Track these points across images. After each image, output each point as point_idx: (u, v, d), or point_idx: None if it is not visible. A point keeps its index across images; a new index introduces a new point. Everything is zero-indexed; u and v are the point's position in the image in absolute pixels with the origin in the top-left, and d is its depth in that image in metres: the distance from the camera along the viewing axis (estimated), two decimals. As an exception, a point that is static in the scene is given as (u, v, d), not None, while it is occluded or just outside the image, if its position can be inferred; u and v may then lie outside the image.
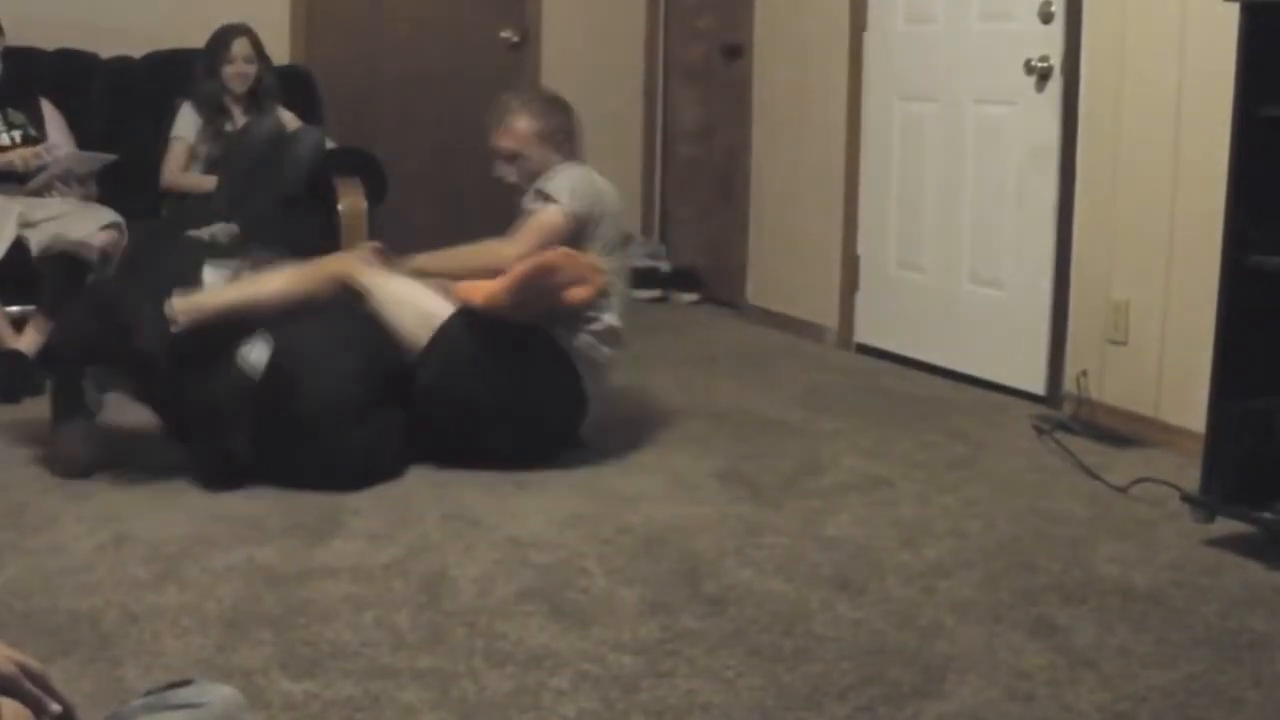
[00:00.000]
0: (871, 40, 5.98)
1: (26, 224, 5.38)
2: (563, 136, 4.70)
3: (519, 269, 4.20)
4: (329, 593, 3.26)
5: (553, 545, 3.63)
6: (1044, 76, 5.04)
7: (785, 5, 6.61)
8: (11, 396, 5.06)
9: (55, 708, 1.86)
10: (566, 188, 4.44)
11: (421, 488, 4.11)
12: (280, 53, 6.54)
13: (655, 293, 7.39)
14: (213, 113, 6.07)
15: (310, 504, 3.92)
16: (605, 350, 4.44)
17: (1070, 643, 3.06)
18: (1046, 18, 4.99)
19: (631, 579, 3.40)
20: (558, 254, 4.25)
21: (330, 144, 6.18)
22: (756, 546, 3.65)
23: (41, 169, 5.71)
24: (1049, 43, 5.01)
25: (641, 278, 7.27)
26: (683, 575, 3.43)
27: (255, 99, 6.13)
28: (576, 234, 4.40)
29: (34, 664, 2.07)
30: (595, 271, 4.31)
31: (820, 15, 6.28)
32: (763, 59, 6.80)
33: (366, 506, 3.91)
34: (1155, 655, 3.00)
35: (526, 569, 3.45)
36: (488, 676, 2.83)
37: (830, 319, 6.33)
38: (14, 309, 5.31)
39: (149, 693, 2.15)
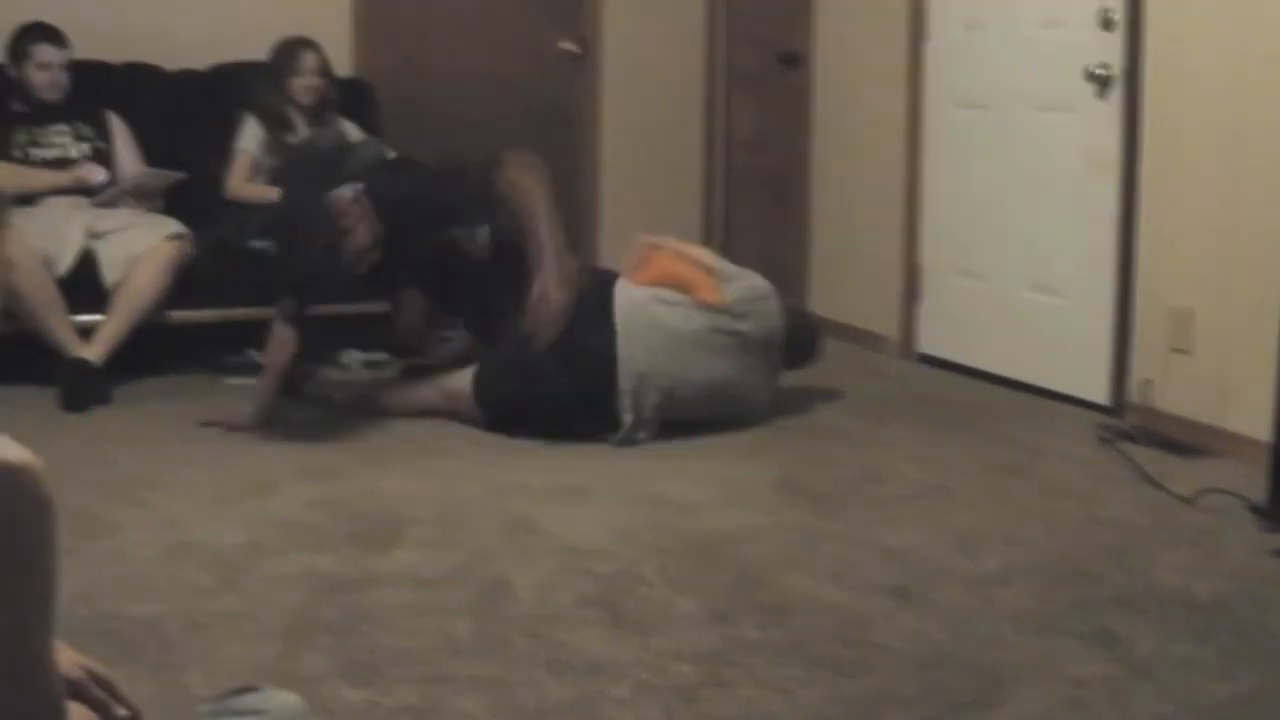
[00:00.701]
0: (931, 47, 5.97)
1: (94, 235, 5.46)
2: None
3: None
4: (389, 600, 3.28)
5: (612, 554, 3.63)
6: (1104, 83, 5.01)
7: (843, 13, 6.60)
8: (78, 406, 5.10)
9: (122, 712, 1.88)
10: None
11: (480, 496, 4.13)
12: (340, 64, 6.57)
13: (715, 301, 7.37)
14: (276, 125, 6.12)
15: (369, 512, 3.95)
16: None
17: (1130, 653, 3.03)
18: (1107, 25, 4.96)
19: (690, 588, 3.40)
20: None
21: (390, 154, 6.22)
22: (815, 555, 3.65)
23: (110, 184, 5.78)
24: (1109, 50, 4.98)
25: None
26: (741, 584, 3.43)
27: (318, 111, 6.17)
28: None
29: (100, 669, 2.09)
30: None
31: (878, 23, 6.27)
32: (821, 67, 6.80)
33: (425, 515, 3.93)
34: (1218, 667, 2.97)
35: (586, 577, 3.46)
36: (548, 685, 2.84)
37: (891, 328, 6.32)
38: (81, 318, 5.37)
39: (214, 699, 2.17)
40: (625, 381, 4.77)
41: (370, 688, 2.80)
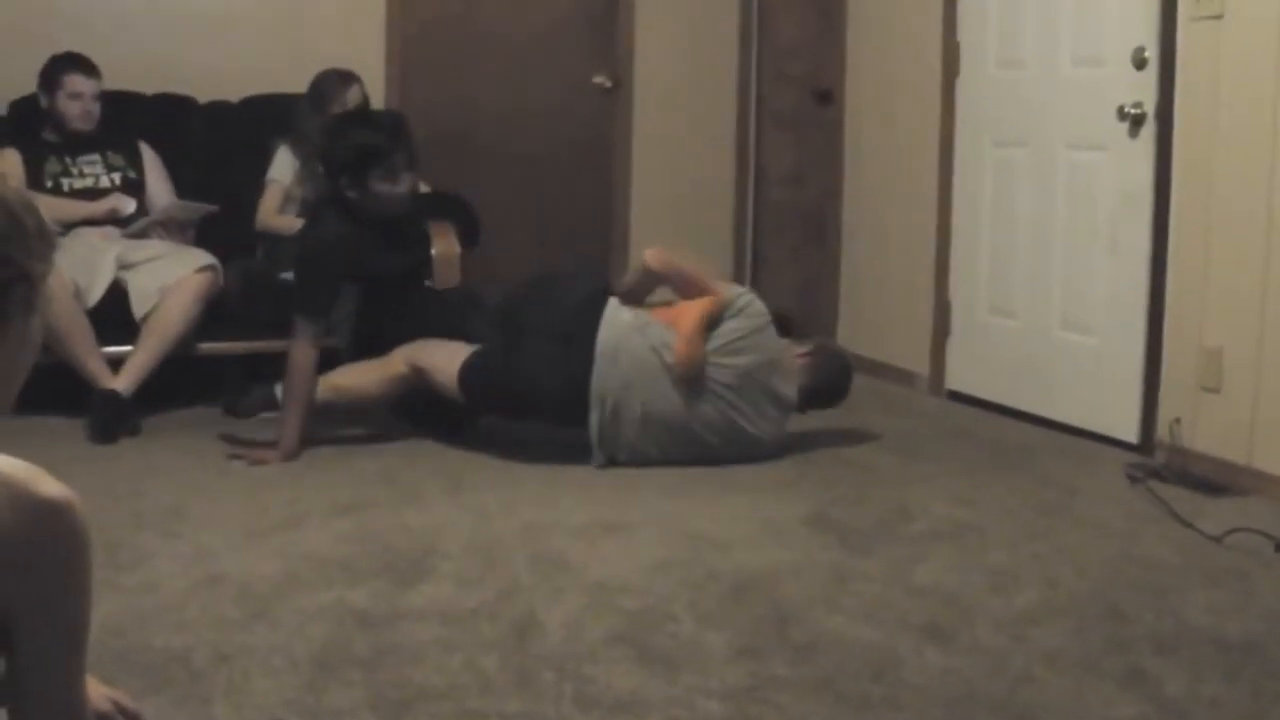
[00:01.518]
0: (964, 85, 5.98)
1: (124, 266, 5.48)
2: None
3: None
4: (418, 635, 3.28)
5: (641, 590, 3.63)
6: (1137, 122, 5.01)
7: (876, 50, 6.62)
8: (108, 437, 5.13)
9: None
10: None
11: (510, 531, 4.13)
12: (376, 97, 6.60)
13: (745, 337, 7.37)
14: (311, 156, 6.14)
15: (400, 546, 3.95)
16: None
17: (1162, 692, 3.02)
18: (1140, 64, 4.97)
19: (720, 624, 3.39)
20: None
21: (424, 188, 6.24)
22: (846, 593, 3.64)
23: (141, 214, 5.82)
24: (1142, 89, 4.99)
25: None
26: (771, 622, 3.42)
27: None
28: None
29: (128, 702, 2.10)
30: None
31: (912, 60, 6.29)
32: (854, 104, 6.81)
33: (456, 549, 3.93)
34: (1249, 707, 2.95)
35: (615, 613, 3.46)
36: (575, 720, 2.84)
37: (922, 365, 6.31)
38: (111, 349, 5.40)
39: None
40: (594, 404, 4.85)
41: (399, 722, 2.81)
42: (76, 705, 1.67)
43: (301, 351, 4.94)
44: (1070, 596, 3.63)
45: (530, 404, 4.98)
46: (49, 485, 1.64)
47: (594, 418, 4.86)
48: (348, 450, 5.06)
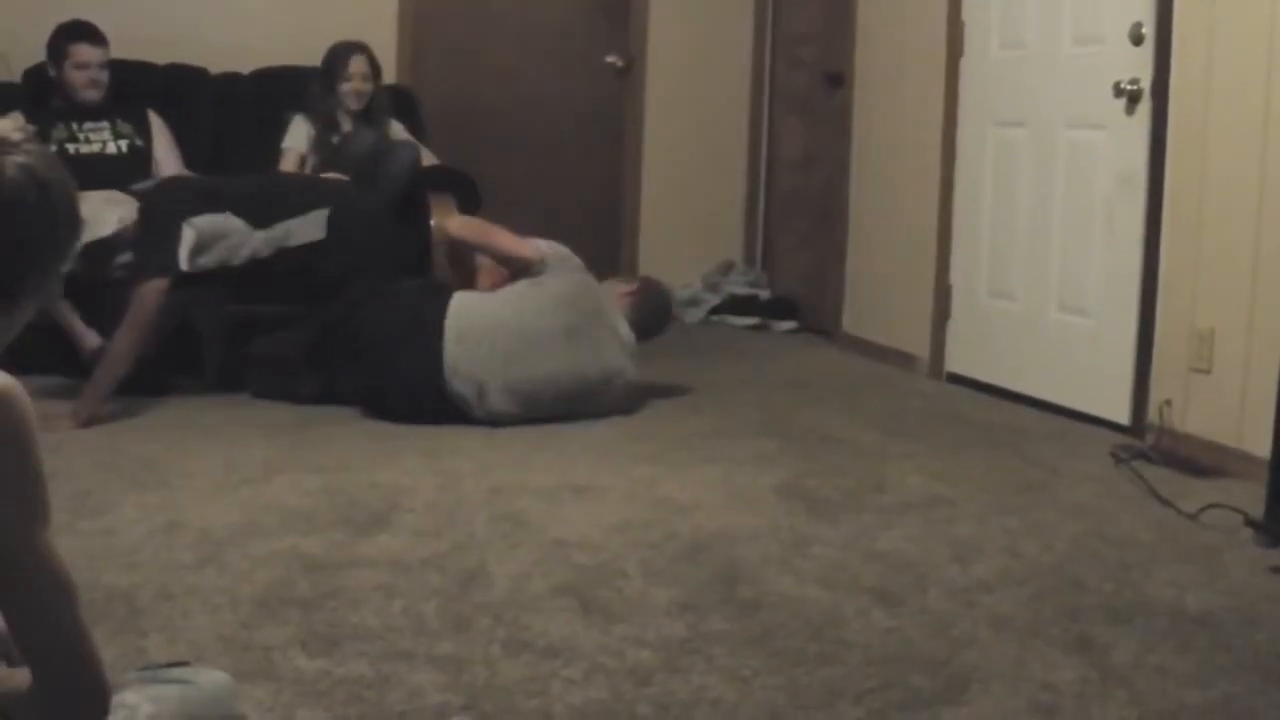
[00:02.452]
0: (968, 66, 5.94)
1: (127, 227, 5.50)
2: None
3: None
4: (363, 581, 3.29)
5: (596, 547, 3.62)
6: (1134, 99, 4.97)
7: (884, 33, 6.59)
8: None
9: None
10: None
11: (478, 491, 4.13)
12: (387, 73, 6.63)
13: (753, 320, 7.37)
14: (324, 127, 6.17)
15: (364, 501, 3.96)
16: None
17: (1107, 660, 2.98)
18: (1137, 39, 4.93)
19: (668, 582, 3.38)
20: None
21: (428, 159, 6.26)
22: (802, 556, 3.62)
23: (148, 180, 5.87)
24: (1139, 64, 4.95)
25: (740, 305, 7.29)
26: (720, 580, 3.40)
27: (367, 115, 6.21)
28: None
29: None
30: None
31: (917, 42, 6.26)
32: (863, 87, 6.78)
33: (419, 506, 3.94)
34: (1194, 676, 2.91)
35: (565, 568, 3.45)
36: (502, 664, 2.83)
37: (922, 348, 6.28)
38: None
39: (144, 668, 2.20)
40: (461, 387, 4.98)
41: (325, 658, 2.81)
42: (51, 563, 1.76)
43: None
44: (1031, 568, 3.60)
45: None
46: None
47: (462, 390, 5.00)
48: (335, 416, 5.06)
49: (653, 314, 5.55)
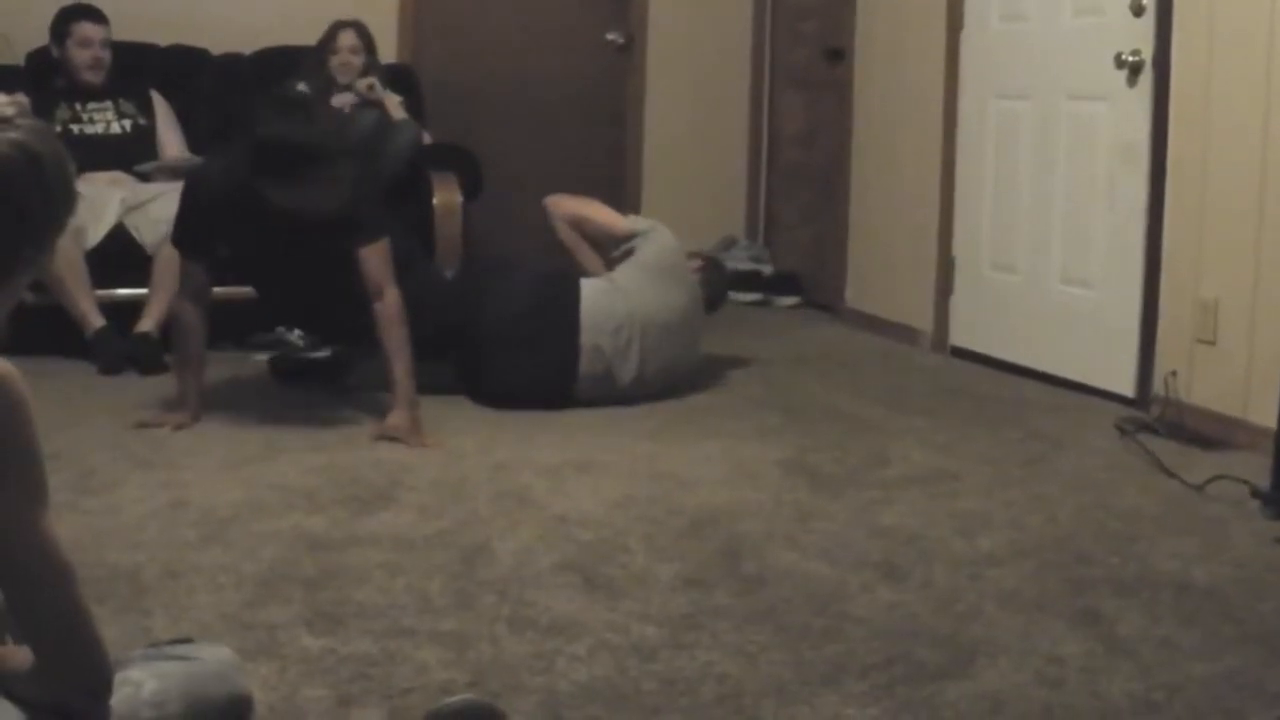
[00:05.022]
0: (968, 39, 5.92)
1: (132, 207, 5.52)
2: None
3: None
4: (367, 559, 3.28)
5: (600, 523, 3.62)
6: (1135, 71, 4.95)
7: (885, 6, 6.56)
8: (115, 368, 5.26)
9: None
10: None
11: (481, 468, 4.12)
12: (387, 52, 6.62)
13: (756, 296, 7.36)
14: (321, 101, 6.17)
15: (368, 478, 3.96)
16: None
17: (1113, 632, 2.98)
18: (1138, 10, 4.90)
19: (672, 557, 3.38)
20: None
21: (427, 139, 6.25)
22: (806, 531, 3.61)
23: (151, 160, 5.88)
24: (1140, 36, 4.92)
25: (743, 281, 7.27)
26: (724, 555, 3.40)
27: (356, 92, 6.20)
28: None
29: None
30: None
31: (918, 15, 6.23)
32: (864, 61, 6.76)
33: (423, 484, 3.94)
34: (1200, 648, 2.91)
35: (569, 544, 3.45)
36: (507, 641, 2.83)
37: (926, 322, 6.26)
38: (121, 291, 5.47)
39: (149, 645, 2.21)
40: (595, 377, 4.99)
41: (330, 637, 2.81)
42: (49, 545, 1.79)
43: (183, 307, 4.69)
44: (1036, 541, 3.59)
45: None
46: None
47: (594, 380, 5.00)
48: (341, 397, 5.05)
49: (717, 288, 5.61)
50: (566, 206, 5.46)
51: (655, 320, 5.06)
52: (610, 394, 4.98)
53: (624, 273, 5.17)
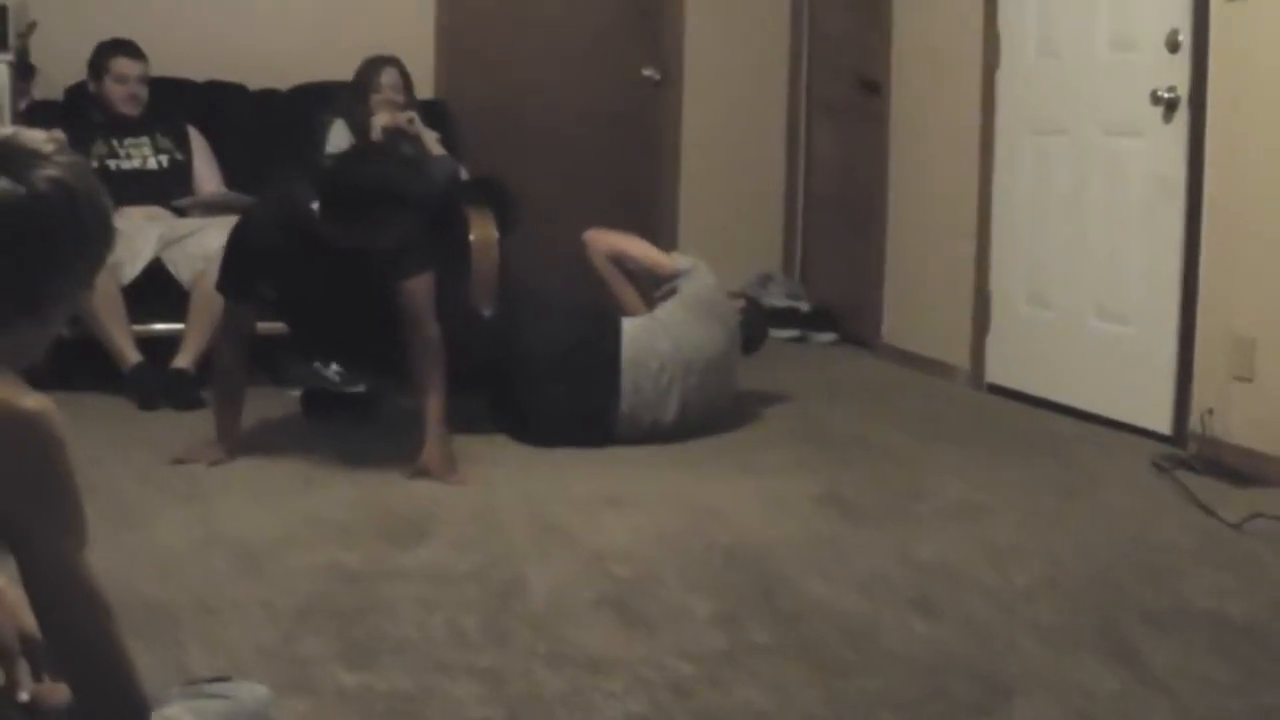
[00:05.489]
0: (1004, 74, 5.92)
1: (168, 243, 5.55)
2: None
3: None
4: (403, 593, 3.29)
5: (636, 558, 3.62)
6: (1170, 106, 4.94)
7: (920, 40, 6.57)
8: (151, 404, 5.28)
9: (22, 696, 1.96)
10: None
11: (515, 502, 4.13)
12: (423, 87, 6.65)
13: (793, 332, 7.35)
14: (359, 138, 6.19)
15: (402, 512, 3.97)
16: None
17: (1149, 668, 2.96)
18: (1173, 46, 4.89)
19: (707, 592, 3.37)
20: None
21: (465, 174, 6.28)
22: (841, 566, 3.61)
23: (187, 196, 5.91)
24: (1176, 72, 4.92)
25: (780, 317, 7.27)
26: (760, 591, 3.40)
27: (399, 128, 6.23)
28: None
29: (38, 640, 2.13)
30: None
31: (953, 49, 6.23)
32: (899, 95, 6.76)
33: (458, 517, 3.95)
34: (1237, 684, 2.89)
35: (605, 579, 3.45)
36: (543, 676, 2.83)
37: (962, 358, 6.24)
38: (160, 327, 5.50)
39: (185, 682, 2.22)
40: (636, 416, 4.99)
41: (366, 672, 2.82)
42: (86, 581, 1.78)
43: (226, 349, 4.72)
44: (1072, 575, 3.58)
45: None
46: (27, 398, 1.75)
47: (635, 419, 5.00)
48: (374, 430, 5.07)
49: (757, 329, 5.62)
50: (607, 241, 5.46)
51: (698, 359, 5.05)
52: (652, 434, 4.96)
53: (668, 310, 5.16)
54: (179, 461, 4.50)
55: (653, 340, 5.02)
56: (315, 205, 4.48)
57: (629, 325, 5.07)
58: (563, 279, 5.98)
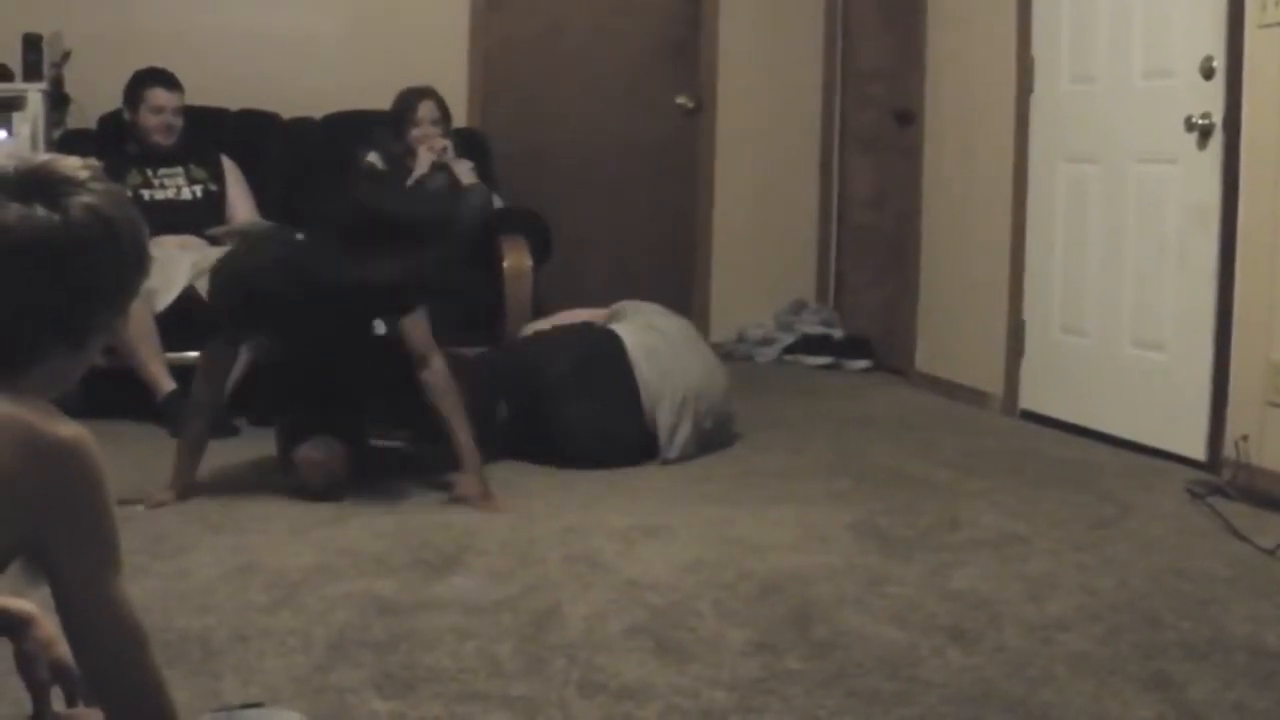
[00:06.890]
0: (1038, 102, 5.92)
1: (202, 272, 5.57)
2: None
3: None
4: (437, 623, 3.29)
5: (670, 588, 3.61)
6: (1205, 134, 4.94)
7: (954, 70, 6.58)
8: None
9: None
10: None
11: (550, 531, 4.13)
12: (458, 115, 6.69)
13: (826, 360, 7.35)
14: (396, 169, 6.22)
15: (437, 541, 3.98)
16: None
17: (1184, 697, 2.94)
18: (1208, 73, 4.89)
19: (743, 622, 3.37)
20: None
21: (499, 203, 6.30)
22: (877, 595, 3.60)
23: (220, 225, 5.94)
24: (1210, 99, 4.91)
25: (813, 345, 7.29)
26: (795, 620, 3.39)
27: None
28: None
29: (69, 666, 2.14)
30: None
31: (987, 78, 6.24)
32: (933, 124, 6.77)
33: (492, 547, 3.95)
34: (1273, 713, 2.87)
35: (639, 608, 3.44)
36: (577, 705, 2.83)
37: (996, 386, 6.24)
38: (195, 355, 5.49)
39: (219, 708, 2.23)
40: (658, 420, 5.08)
41: (400, 700, 2.82)
42: (122, 609, 1.82)
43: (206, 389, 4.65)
44: (1107, 604, 3.56)
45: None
46: (62, 426, 1.78)
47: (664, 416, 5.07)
48: (402, 459, 5.08)
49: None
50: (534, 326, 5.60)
51: (696, 365, 5.25)
52: (676, 439, 5.08)
53: (645, 315, 5.43)
54: (125, 504, 4.29)
55: (647, 339, 5.16)
56: (301, 237, 4.50)
57: (619, 329, 5.19)
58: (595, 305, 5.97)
